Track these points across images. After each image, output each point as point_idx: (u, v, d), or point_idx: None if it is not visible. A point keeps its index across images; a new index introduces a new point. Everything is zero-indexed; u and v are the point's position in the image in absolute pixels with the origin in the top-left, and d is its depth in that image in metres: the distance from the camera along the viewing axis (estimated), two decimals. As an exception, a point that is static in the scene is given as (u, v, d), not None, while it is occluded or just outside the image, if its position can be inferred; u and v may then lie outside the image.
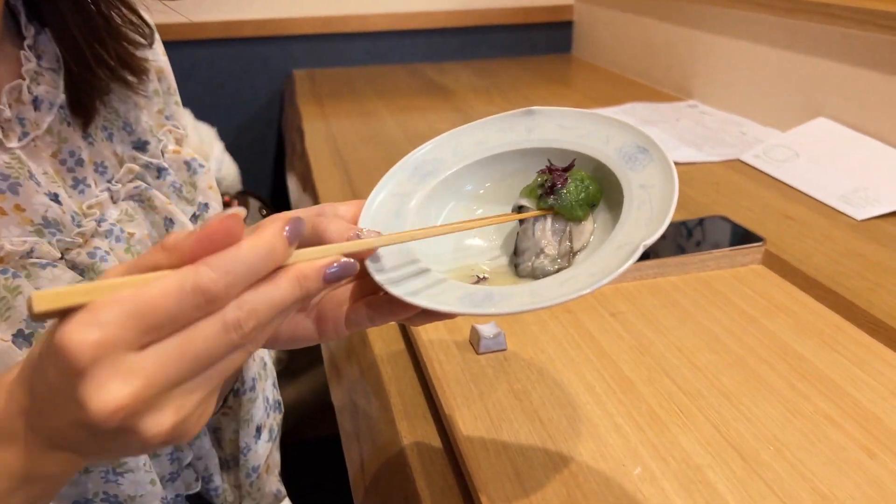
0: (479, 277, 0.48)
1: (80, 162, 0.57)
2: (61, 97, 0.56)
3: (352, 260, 0.38)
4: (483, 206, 0.52)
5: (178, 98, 0.68)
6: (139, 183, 0.61)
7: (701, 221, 0.92)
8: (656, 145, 0.45)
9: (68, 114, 0.56)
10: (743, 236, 0.86)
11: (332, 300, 0.48)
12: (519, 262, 0.49)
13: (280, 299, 0.35)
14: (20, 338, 0.49)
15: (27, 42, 0.54)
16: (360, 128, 1.43)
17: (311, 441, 1.14)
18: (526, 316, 0.72)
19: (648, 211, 0.42)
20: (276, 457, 0.78)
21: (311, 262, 0.37)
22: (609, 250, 0.42)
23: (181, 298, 0.32)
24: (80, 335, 0.31)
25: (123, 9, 0.59)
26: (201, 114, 1.77)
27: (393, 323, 0.73)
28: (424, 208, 0.51)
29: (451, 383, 0.62)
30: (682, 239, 0.91)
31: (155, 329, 0.32)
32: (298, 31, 1.89)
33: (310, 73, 1.88)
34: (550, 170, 0.49)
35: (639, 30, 1.73)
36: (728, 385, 0.61)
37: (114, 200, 0.59)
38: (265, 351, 0.72)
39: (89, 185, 0.57)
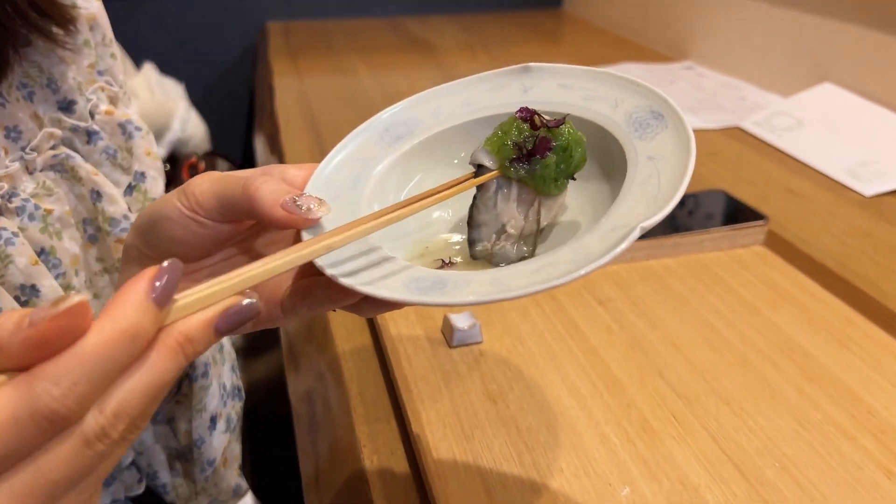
0: (443, 262, 0.41)
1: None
2: None
3: (253, 301, 0.30)
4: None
5: (115, 50, 0.59)
6: (61, 150, 0.53)
7: (697, 196, 0.84)
8: (674, 109, 0.38)
9: None
10: (743, 213, 0.79)
11: (266, 282, 0.40)
12: (475, 238, 0.41)
13: (155, 383, 0.27)
14: None
15: None
16: (335, 86, 1.34)
17: (279, 424, 1.08)
18: (504, 303, 0.65)
19: (654, 187, 0.35)
20: (236, 449, 0.71)
21: (194, 317, 0.29)
22: (599, 233, 0.34)
23: (19, 429, 0.25)
24: None
25: None
26: (169, 68, 1.67)
27: (357, 322, 0.66)
28: (386, 177, 0.43)
29: (419, 382, 0.55)
30: (676, 215, 0.84)
31: None
32: (273, -20, 1.78)
33: (285, 25, 1.78)
34: (533, 123, 0.40)
35: (633, -15, 1.64)
36: (728, 388, 0.55)
37: (29, 171, 0.51)
38: None
39: None
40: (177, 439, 0.65)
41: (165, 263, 0.28)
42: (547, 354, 0.58)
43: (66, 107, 0.54)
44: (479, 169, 0.41)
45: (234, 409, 0.69)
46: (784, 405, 0.53)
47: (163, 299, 0.27)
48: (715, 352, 0.59)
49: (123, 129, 0.57)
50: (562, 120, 0.40)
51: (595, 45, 1.62)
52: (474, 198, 0.41)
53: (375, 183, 0.42)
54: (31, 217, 0.50)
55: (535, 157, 0.40)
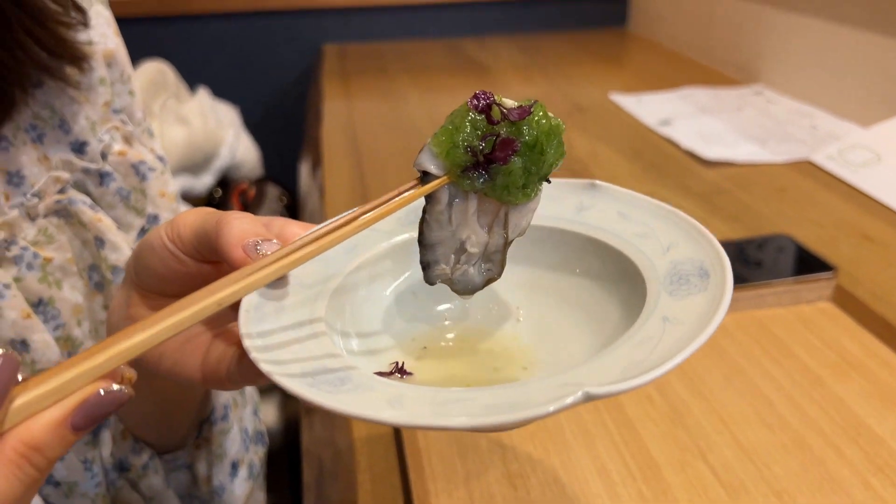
0: (396, 366, 0.36)
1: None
2: None
3: (116, 388, 0.26)
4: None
5: (133, 86, 0.57)
6: (66, 195, 0.50)
7: (761, 241, 0.77)
8: (724, 273, 0.31)
9: None
10: (809, 262, 0.72)
11: (217, 344, 0.37)
12: (429, 260, 0.35)
13: None
14: None
15: None
16: (382, 110, 1.31)
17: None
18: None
19: (646, 352, 0.29)
20: (259, 497, 0.68)
21: (41, 417, 0.24)
22: (553, 383, 0.28)
23: None
24: None
25: None
26: (225, 92, 1.67)
27: None
28: (383, 259, 0.39)
29: (433, 458, 0.51)
30: (737, 264, 0.77)
31: None
32: (330, 4, 1.76)
33: (341, 47, 1.77)
34: (489, 116, 0.33)
35: (700, 3, 1.56)
36: (781, 476, 0.48)
37: (31, 217, 0.49)
38: None
39: None
40: (197, 486, 0.62)
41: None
42: (577, 428, 0.53)
43: (79, 148, 0.52)
44: (425, 176, 0.34)
45: (258, 454, 0.66)
46: (846, 501, 0.46)
47: None
48: (768, 430, 0.52)
49: (137, 169, 0.55)
50: (528, 109, 0.33)
51: (659, 67, 1.55)
52: (423, 211, 0.35)
53: (368, 262, 0.38)
54: (30, 266, 0.48)
55: (496, 164, 0.33)
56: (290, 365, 0.30)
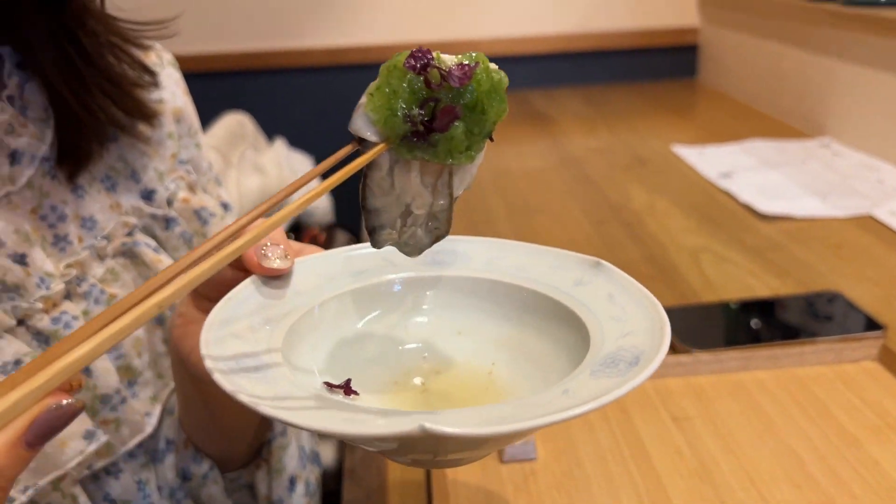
0: (345, 384, 0.37)
1: (62, 217, 0.52)
2: (44, 149, 0.51)
3: (66, 402, 0.26)
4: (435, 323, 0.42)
5: (199, 140, 0.63)
6: (132, 238, 0.56)
7: (809, 297, 0.77)
8: (644, 367, 0.31)
9: (53, 166, 0.52)
10: (858, 320, 0.71)
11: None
12: (375, 225, 0.34)
13: None
14: None
15: (7, 93, 0.50)
16: (447, 163, 1.35)
17: None
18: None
19: (517, 412, 0.30)
20: None
21: None
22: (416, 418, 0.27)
23: None
24: None
25: (118, 51, 0.54)
26: (301, 142, 1.76)
27: None
28: (391, 286, 0.42)
29: (461, 502, 0.53)
30: (782, 319, 0.76)
31: None
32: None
33: (413, 99, 1.84)
34: (427, 80, 0.31)
35: (768, 56, 1.55)
36: (806, 538, 0.48)
37: (100, 257, 0.54)
38: None
39: (71, 242, 0.53)
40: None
41: None
42: (604, 479, 0.54)
43: (147, 196, 0.57)
44: (361, 144, 0.33)
45: (314, 473, 0.68)
46: (872, 567, 0.46)
47: None
48: (796, 490, 0.52)
49: (199, 215, 0.60)
50: (470, 70, 0.32)
51: (724, 118, 1.55)
52: (364, 177, 0.34)
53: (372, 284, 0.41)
54: (97, 301, 0.53)
55: (435, 132, 0.32)
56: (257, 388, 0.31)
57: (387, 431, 0.26)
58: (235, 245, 0.31)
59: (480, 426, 0.27)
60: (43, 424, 0.26)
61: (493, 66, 0.33)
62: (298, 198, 0.32)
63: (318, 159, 1.74)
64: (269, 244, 0.38)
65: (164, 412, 0.56)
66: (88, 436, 0.47)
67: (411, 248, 0.35)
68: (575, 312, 0.37)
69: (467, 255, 0.44)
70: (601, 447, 0.57)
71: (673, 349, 0.70)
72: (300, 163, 1.59)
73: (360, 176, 0.34)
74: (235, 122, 1.44)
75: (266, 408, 0.28)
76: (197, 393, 0.50)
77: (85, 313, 0.52)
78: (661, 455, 0.56)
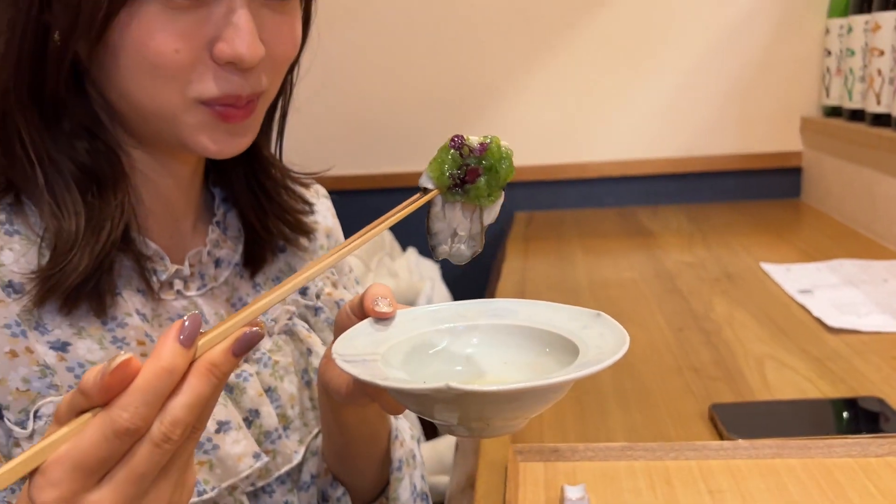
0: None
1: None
2: (237, 257, 0.74)
3: (254, 329, 0.42)
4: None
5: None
6: (290, 321, 0.76)
7: (851, 400, 0.87)
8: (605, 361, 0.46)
9: (241, 268, 0.74)
10: (893, 422, 0.81)
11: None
12: (435, 243, 0.54)
13: (196, 398, 0.40)
14: None
15: (216, 219, 0.73)
16: (551, 272, 1.53)
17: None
18: (621, 481, 0.75)
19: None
20: None
21: (217, 348, 0.40)
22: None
23: (109, 443, 0.38)
24: (42, 498, 0.38)
25: (289, 190, 0.77)
26: (430, 251, 1.99)
27: (500, 473, 0.79)
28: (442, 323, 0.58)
29: (523, 538, 0.67)
30: (824, 418, 0.87)
31: (97, 471, 0.39)
32: (523, 178, 2.06)
33: (529, 215, 2.04)
34: (461, 151, 0.52)
35: (863, 181, 1.65)
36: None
37: (269, 334, 0.75)
38: (414, 442, 0.80)
39: None
40: None
41: (186, 316, 0.40)
42: (640, 531, 0.68)
43: (303, 292, 0.78)
44: (425, 191, 0.54)
45: None
46: None
47: (188, 342, 0.39)
48: (799, 551, 0.63)
49: (338, 305, 0.80)
50: (485, 146, 0.52)
51: (820, 237, 1.64)
52: (428, 212, 0.54)
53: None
54: (265, 365, 0.73)
55: (467, 184, 0.52)
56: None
57: (425, 388, 0.43)
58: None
59: (500, 386, 0.43)
60: (243, 340, 0.41)
61: (504, 143, 0.54)
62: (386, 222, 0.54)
63: (442, 267, 1.96)
64: (384, 297, 0.55)
65: (308, 452, 0.75)
66: (256, 456, 0.66)
67: (457, 258, 0.54)
68: (575, 343, 0.53)
69: (515, 311, 0.59)
70: (643, 508, 0.71)
71: (720, 436, 0.82)
72: (427, 269, 1.82)
73: (426, 212, 0.56)
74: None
75: (357, 372, 0.46)
76: (334, 420, 0.68)
77: (257, 373, 0.73)
78: (691, 518, 0.69)
